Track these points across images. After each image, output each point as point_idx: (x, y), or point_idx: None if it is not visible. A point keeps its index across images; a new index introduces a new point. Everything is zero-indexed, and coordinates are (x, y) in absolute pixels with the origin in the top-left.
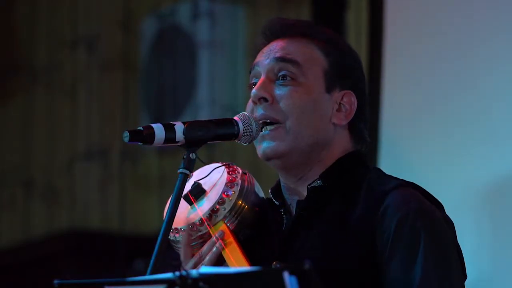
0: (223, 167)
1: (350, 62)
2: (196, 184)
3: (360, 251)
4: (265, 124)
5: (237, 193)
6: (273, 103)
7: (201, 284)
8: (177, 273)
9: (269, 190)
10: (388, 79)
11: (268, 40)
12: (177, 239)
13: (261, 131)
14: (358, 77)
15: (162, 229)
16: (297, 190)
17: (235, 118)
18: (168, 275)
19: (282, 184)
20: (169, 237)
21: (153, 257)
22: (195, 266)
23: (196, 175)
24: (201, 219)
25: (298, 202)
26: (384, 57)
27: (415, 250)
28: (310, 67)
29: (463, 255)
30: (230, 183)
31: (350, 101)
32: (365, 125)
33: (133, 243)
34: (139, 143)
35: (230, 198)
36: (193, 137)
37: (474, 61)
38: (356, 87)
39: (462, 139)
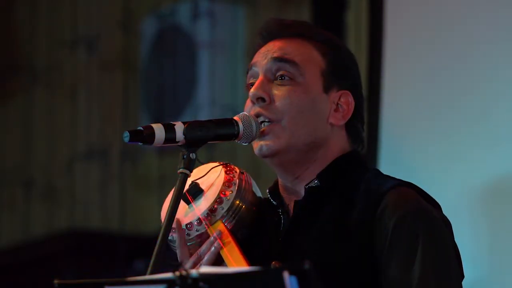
0: (221, 166)
1: (347, 62)
2: (194, 183)
3: (358, 251)
4: (261, 122)
5: (234, 192)
6: (270, 103)
7: (201, 284)
8: (177, 273)
9: (267, 190)
10: (388, 79)
11: (266, 40)
12: (175, 239)
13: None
14: (355, 77)
15: (162, 229)
16: (294, 190)
17: (235, 118)
18: (168, 275)
19: (280, 184)
20: None
21: (153, 257)
22: (194, 266)
23: (194, 175)
24: (198, 219)
25: (296, 202)
26: (384, 57)
27: (414, 250)
28: (308, 67)
29: (461, 255)
30: (228, 183)
31: (347, 101)
32: (362, 125)
33: (133, 243)
34: (139, 143)
35: (228, 198)
36: (193, 137)
37: (474, 61)
38: (353, 87)
39: (461, 139)
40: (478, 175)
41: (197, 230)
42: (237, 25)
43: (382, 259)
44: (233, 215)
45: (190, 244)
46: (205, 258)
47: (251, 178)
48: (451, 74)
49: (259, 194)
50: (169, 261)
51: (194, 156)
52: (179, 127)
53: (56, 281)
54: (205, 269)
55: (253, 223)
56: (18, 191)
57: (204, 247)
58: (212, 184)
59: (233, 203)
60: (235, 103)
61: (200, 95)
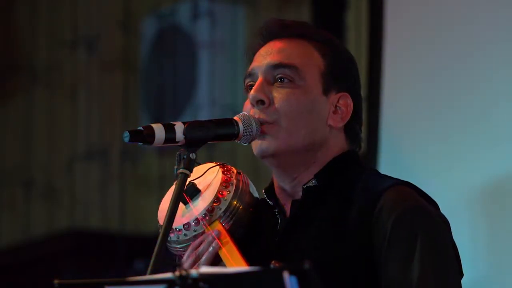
0: (217, 167)
1: (346, 64)
2: (191, 183)
3: (356, 250)
4: (260, 124)
5: (232, 193)
6: (270, 105)
7: (201, 284)
8: (177, 273)
9: (263, 190)
10: (388, 79)
11: (265, 40)
12: (172, 239)
13: None
14: (354, 79)
15: (163, 229)
16: (292, 191)
17: (235, 118)
18: (168, 275)
19: (275, 185)
20: None
21: (153, 257)
22: (192, 266)
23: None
24: (196, 219)
25: (294, 202)
26: (384, 57)
27: (413, 249)
28: (308, 69)
29: (460, 254)
30: (225, 183)
31: (346, 103)
32: (360, 126)
33: (133, 243)
34: (139, 143)
35: (226, 198)
36: (193, 137)
37: (474, 61)
38: (352, 89)
39: (461, 139)
40: (478, 175)
41: (194, 231)
42: (237, 25)
43: (381, 258)
44: (230, 216)
45: (187, 245)
46: (203, 258)
47: (248, 179)
48: (451, 74)
49: (256, 194)
50: (169, 261)
51: (194, 156)
52: (179, 127)
53: (56, 281)
54: (205, 269)
55: (250, 223)
56: (18, 191)
57: (202, 247)
58: (209, 185)
59: (230, 203)
60: (235, 103)
61: (200, 95)
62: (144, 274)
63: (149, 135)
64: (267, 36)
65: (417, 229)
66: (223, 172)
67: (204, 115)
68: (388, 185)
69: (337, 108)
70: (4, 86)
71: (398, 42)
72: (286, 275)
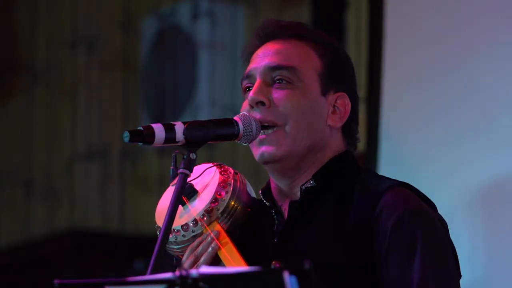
0: (215, 167)
1: (343, 64)
2: (189, 184)
3: (356, 251)
4: (263, 128)
5: (230, 193)
6: (270, 106)
7: (201, 284)
8: (177, 273)
9: (259, 191)
10: (388, 79)
11: (262, 41)
12: (170, 240)
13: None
14: (351, 79)
15: (162, 229)
16: (289, 192)
17: (235, 118)
18: (168, 275)
19: (273, 186)
20: None
21: (153, 257)
22: (191, 267)
23: None
24: (194, 220)
25: (292, 202)
26: (384, 57)
27: (413, 251)
28: (306, 70)
29: (459, 255)
30: (223, 183)
31: (344, 103)
32: (357, 126)
33: (133, 243)
34: (139, 143)
35: (224, 199)
36: (193, 137)
37: (474, 61)
38: (349, 89)
39: (461, 139)
40: (478, 175)
41: (193, 231)
42: (237, 25)
43: (381, 259)
44: (228, 216)
45: (185, 246)
46: (202, 259)
47: (245, 179)
48: (451, 74)
49: (253, 194)
50: (169, 261)
51: (194, 156)
52: (179, 127)
53: (56, 281)
54: (205, 269)
55: (248, 223)
56: (18, 191)
57: (201, 247)
58: (207, 185)
59: (228, 204)
60: (235, 103)
61: (200, 95)
62: (144, 274)
63: (149, 135)
64: (264, 37)
65: (416, 231)
66: (220, 173)
67: (204, 115)
68: (386, 187)
69: (336, 108)
70: (4, 86)
71: (398, 42)
72: (286, 275)
